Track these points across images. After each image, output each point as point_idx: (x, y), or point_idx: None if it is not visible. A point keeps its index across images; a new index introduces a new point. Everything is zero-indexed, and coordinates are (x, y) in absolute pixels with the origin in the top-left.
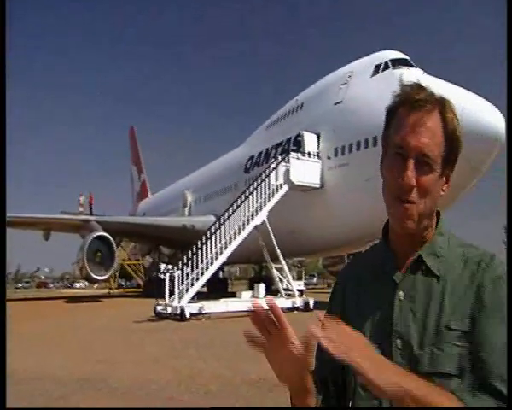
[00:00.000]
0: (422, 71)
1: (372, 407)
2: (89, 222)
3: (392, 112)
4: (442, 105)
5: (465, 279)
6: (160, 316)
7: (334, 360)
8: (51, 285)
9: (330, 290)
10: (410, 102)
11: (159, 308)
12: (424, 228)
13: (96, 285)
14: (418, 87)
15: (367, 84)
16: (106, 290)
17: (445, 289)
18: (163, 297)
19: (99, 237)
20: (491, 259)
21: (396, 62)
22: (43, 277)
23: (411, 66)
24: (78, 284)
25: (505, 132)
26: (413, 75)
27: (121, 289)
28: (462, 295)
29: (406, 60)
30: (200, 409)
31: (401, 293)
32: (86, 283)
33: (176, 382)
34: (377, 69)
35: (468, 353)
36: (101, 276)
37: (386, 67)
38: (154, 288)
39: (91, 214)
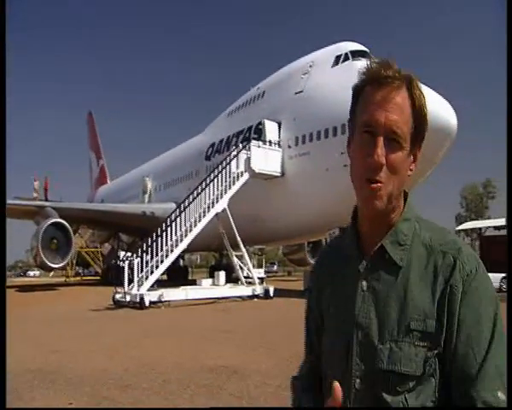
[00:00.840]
0: None
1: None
2: (44, 208)
3: (359, 90)
4: (409, 82)
5: (429, 272)
6: (118, 304)
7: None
8: None
9: (290, 278)
10: (378, 78)
11: (117, 296)
12: (392, 210)
13: (51, 273)
14: (385, 64)
15: (327, 74)
16: (62, 279)
17: (407, 281)
18: (122, 285)
19: (55, 224)
20: (458, 251)
21: (356, 54)
22: None
23: (370, 58)
24: (32, 273)
25: (456, 127)
26: None
27: (78, 278)
28: (426, 291)
29: (366, 52)
30: (199, 409)
31: (364, 283)
32: (41, 271)
33: (134, 370)
34: (338, 60)
35: (432, 355)
36: (56, 264)
37: (347, 58)
38: (112, 276)
39: (46, 200)
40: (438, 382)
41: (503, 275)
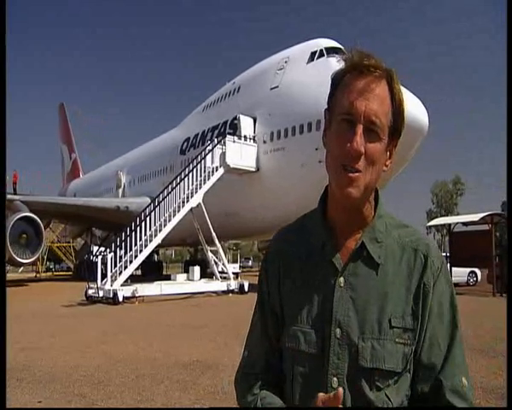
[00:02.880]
0: None
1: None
2: (12, 202)
3: (339, 78)
4: (390, 75)
5: (403, 269)
6: (91, 300)
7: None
8: None
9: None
10: (359, 67)
11: (90, 292)
12: (365, 202)
13: (20, 269)
14: (367, 54)
15: (303, 70)
16: (32, 274)
17: (385, 279)
18: (95, 280)
19: (24, 218)
20: (427, 248)
21: (331, 51)
22: None
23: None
24: None
25: (427, 126)
26: None
27: (50, 273)
28: (403, 289)
29: (340, 49)
30: (199, 409)
31: (341, 279)
32: (10, 266)
33: (107, 367)
34: (313, 56)
35: (409, 351)
36: (26, 259)
37: (322, 54)
38: (85, 271)
39: (15, 194)
40: (411, 376)
41: (470, 270)
